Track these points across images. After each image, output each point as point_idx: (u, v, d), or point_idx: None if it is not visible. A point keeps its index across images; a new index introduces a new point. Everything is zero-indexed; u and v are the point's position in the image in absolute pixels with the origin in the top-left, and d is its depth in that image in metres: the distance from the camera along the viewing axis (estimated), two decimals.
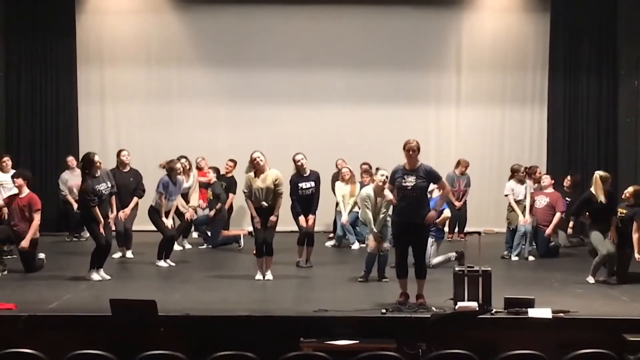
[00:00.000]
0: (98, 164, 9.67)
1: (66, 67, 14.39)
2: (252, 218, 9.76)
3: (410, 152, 8.25)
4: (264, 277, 9.74)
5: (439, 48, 14.65)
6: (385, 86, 14.51)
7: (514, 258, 11.52)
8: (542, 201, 11.86)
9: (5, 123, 14.31)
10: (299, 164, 10.61)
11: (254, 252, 9.94)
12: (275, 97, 14.46)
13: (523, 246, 11.58)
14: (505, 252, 11.70)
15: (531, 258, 11.54)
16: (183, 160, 11.23)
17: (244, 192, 9.79)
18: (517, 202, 11.71)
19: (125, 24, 14.55)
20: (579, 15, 14.36)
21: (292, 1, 14.53)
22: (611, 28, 14.33)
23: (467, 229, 13.37)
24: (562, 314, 7.76)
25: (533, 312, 7.72)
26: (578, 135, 14.48)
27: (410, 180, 8.17)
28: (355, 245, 12.42)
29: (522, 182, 11.85)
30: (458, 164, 13.49)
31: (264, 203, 9.62)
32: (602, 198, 9.76)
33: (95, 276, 9.61)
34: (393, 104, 14.49)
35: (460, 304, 7.85)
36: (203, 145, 13.19)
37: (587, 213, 9.97)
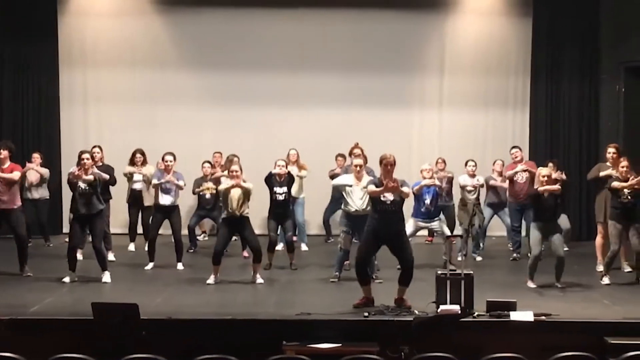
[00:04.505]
0: (84, 160, 9.68)
1: (48, 69, 14.26)
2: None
3: (388, 167, 8.27)
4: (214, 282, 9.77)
5: (422, 52, 14.65)
6: (369, 89, 14.47)
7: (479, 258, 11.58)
8: (522, 175, 11.71)
9: None
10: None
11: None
12: (260, 100, 14.38)
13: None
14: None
15: (479, 259, 11.57)
16: (168, 157, 11.08)
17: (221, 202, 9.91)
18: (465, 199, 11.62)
19: (108, 26, 14.42)
20: (560, 19, 14.38)
21: (277, 5, 14.46)
22: (593, 32, 14.37)
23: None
24: (543, 317, 7.81)
25: (515, 315, 7.76)
26: (560, 139, 14.50)
27: (388, 196, 8.18)
28: (304, 247, 12.49)
29: (472, 175, 11.76)
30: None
31: (237, 212, 9.65)
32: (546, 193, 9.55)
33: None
34: (377, 107, 14.45)
35: (442, 307, 7.88)
36: (187, 149, 13.09)
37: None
